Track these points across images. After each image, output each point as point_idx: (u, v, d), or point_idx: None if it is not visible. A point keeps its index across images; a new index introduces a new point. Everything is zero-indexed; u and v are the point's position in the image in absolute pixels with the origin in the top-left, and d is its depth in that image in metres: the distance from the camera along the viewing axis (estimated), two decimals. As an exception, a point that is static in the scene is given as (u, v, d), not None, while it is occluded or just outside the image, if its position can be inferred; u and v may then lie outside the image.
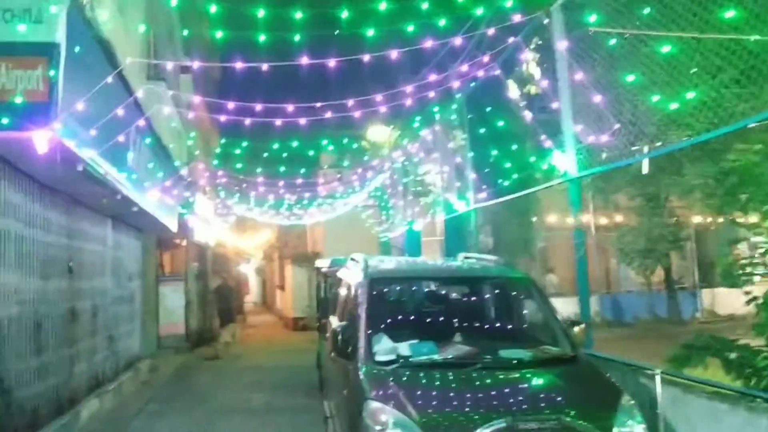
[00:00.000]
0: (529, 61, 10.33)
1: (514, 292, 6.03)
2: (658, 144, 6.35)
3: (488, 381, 4.51)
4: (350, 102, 7.67)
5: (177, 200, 12.56)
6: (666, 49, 5.14)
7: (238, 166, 14.42)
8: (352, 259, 7.26)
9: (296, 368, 13.72)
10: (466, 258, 7.07)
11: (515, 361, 4.78)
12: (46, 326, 7.60)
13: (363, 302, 5.17)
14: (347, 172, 19.63)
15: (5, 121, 5.33)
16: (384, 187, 17.60)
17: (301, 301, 23.92)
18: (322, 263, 11.02)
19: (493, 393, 4.36)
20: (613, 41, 6.02)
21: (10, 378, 6.48)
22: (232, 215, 21.93)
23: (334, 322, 6.62)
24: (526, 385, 4.52)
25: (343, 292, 6.77)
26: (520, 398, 4.30)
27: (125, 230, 12.49)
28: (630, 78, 5.68)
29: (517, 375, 4.62)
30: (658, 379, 4.92)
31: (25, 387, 6.88)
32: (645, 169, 7.80)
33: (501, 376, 4.59)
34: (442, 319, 5.67)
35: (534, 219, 11.05)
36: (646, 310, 19.78)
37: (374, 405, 4.15)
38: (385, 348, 4.83)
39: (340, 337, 4.98)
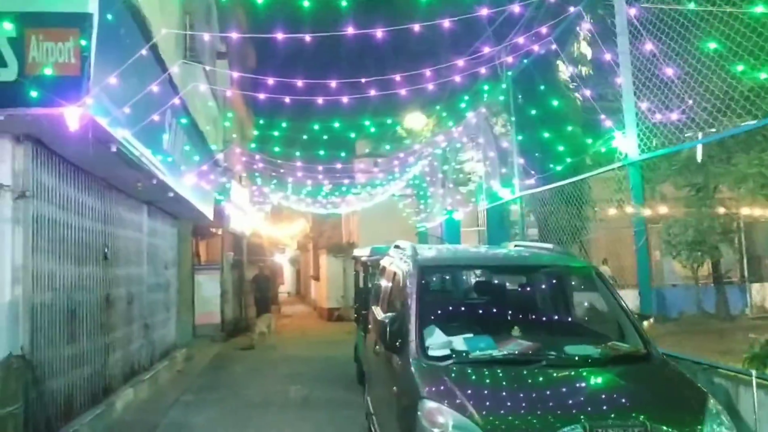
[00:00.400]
0: (581, 40, 9.80)
1: (575, 283, 5.55)
2: (711, 130, 5.82)
3: (556, 380, 4.06)
4: (395, 77, 7.24)
5: (213, 186, 12.31)
6: (759, 10, 4.58)
7: (276, 149, 14.07)
8: (396, 247, 6.86)
9: (333, 360, 13.43)
10: (517, 246, 6.61)
11: (583, 359, 4.32)
12: (80, 314, 7.38)
13: (412, 292, 4.76)
14: (384, 159, 19.23)
15: (34, 94, 5.05)
16: (422, 175, 17.15)
17: (335, 292, 23.73)
18: (361, 252, 10.66)
19: (563, 394, 3.91)
20: (690, 5, 5.46)
21: (43, 367, 6.26)
22: (268, 203, 21.73)
23: (379, 313, 6.23)
24: (598, 386, 4.05)
25: (387, 281, 6.37)
26: (594, 400, 3.84)
27: (161, 217, 12.31)
28: (711, 46, 5.13)
29: (587, 374, 4.15)
30: (754, 382, 4.41)
31: (59, 376, 6.66)
32: (699, 156, 7.24)
33: (570, 375, 4.13)
34: (497, 311, 5.22)
35: (584, 207, 10.46)
36: (693, 305, 19.01)
37: (430, 404, 3.74)
38: (438, 342, 4.42)
39: (388, 330, 4.58)
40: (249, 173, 17.80)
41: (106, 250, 8.46)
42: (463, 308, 5.36)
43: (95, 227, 8.06)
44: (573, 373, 4.15)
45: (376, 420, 5.73)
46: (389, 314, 4.76)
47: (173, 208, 12.05)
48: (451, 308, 5.27)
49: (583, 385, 4.06)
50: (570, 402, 3.80)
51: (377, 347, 5.71)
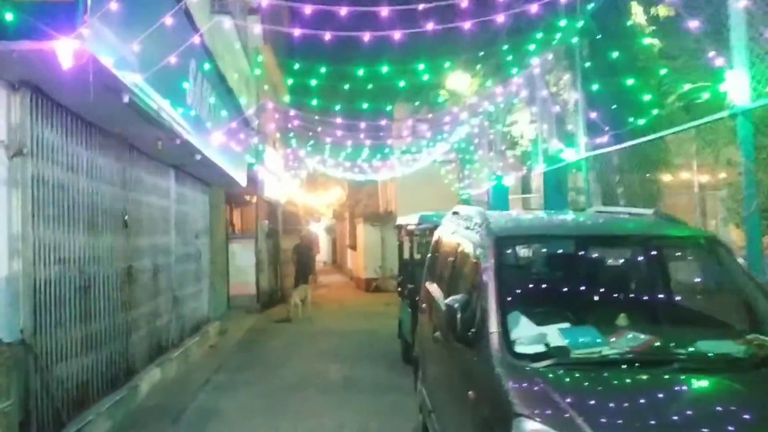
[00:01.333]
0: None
1: (691, 257, 4.43)
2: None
3: (697, 390, 3.02)
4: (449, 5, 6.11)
5: (244, 148, 11.35)
6: None
7: (312, 102, 12.79)
8: (455, 213, 5.83)
9: (374, 334, 12.56)
10: (599, 213, 5.50)
11: (724, 359, 3.24)
12: (95, 289, 6.55)
13: (489, 269, 3.72)
14: (425, 121, 18.01)
15: (19, 24, 4.11)
16: (470, 136, 15.94)
17: (373, 262, 22.93)
18: (407, 220, 9.63)
19: (712, 410, 2.86)
20: None
21: (50, 352, 5.44)
22: (303, 169, 20.77)
23: (436, 292, 5.23)
24: (754, 398, 2.97)
25: (446, 255, 5.36)
26: (759, 419, 2.77)
27: (190, 183, 11.47)
28: None
29: (736, 381, 3.08)
30: None
31: (70, 360, 5.85)
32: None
33: (714, 383, 3.07)
34: (593, 293, 4.15)
35: (659, 170, 9.22)
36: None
37: (531, 426, 2.72)
38: (527, 334, 3.40)
39: (458, 317, 3.56)
40: (283, 133, 16.70)
41: (125, 218, 7.61)
42: (551, 290, 4.27)
43: (112, 192, 7.20)
44: (717, 379, 3.09)
45: (436, 420, 4.78)
46: (458, 297, 3.73)
47: (202, 173, 11.19)
48: (536, 290, 4.20)
49: (736, 396, 2.98)
50: (723, 421, 2.75)
51: (437, 334, 4.73)
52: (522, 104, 15.56)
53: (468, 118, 14.70)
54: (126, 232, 7.63)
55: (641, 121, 7.16)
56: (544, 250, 4.63)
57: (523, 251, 4.96)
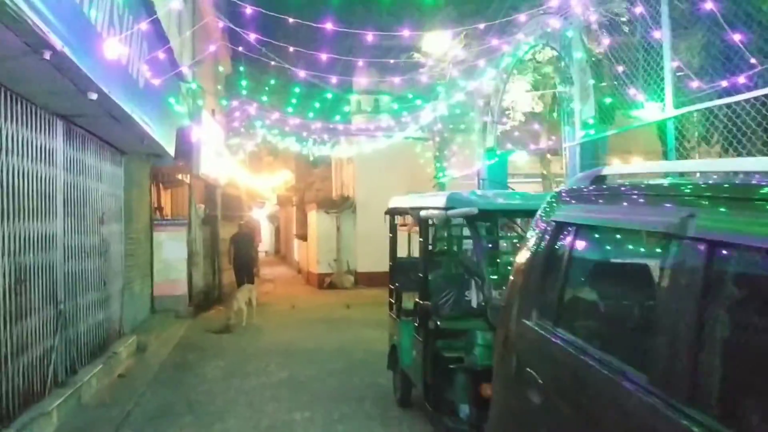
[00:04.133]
0: None
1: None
2: None
3: None
4: None
5: (167, 85, 7.91)
6: None
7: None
8: (600, 178, 2.84)
9: (346, 355, 9.49)
10: None
11: None
12: None
13: None
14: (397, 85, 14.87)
15: None
16: (456, 107, 12.96)
17: (327, 255, 19.97)
18: (417, 202, 6.45)
19: None
20: None
21: None
22: (251, 138, 17.26)
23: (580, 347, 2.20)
24: None
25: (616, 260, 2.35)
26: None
27: (93, 147, 8.09)
28: None
29: None
30: None
31: None
32: None
33: None
34: None
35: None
36: None
37: None
38: None
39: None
40: (230, 66, 12.95)
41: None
42: None
43: None
44: None
45: None
46: None
47: (111, 131, 7.85)
48: None
49: None
50: None
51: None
52: (515, 72, 12.77)
53: (452, 86, 11.72)
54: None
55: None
56: None
57: None
